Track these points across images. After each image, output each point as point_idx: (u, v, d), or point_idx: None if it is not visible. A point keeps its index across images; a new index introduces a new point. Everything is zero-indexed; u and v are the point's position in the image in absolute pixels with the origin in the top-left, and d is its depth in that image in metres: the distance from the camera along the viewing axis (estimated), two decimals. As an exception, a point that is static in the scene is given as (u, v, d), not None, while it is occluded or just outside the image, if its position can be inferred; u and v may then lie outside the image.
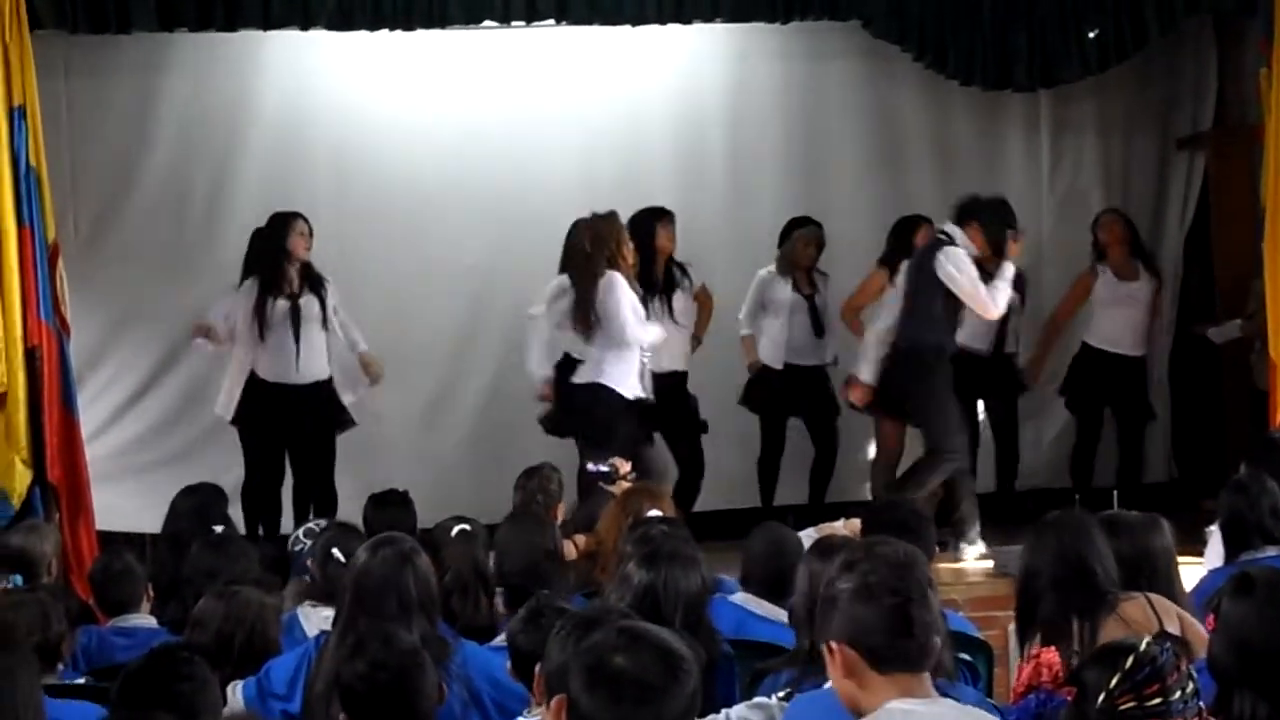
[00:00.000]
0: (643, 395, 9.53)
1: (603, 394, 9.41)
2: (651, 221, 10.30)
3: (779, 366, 10.83)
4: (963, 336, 10.16)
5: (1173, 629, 5.05)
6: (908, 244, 10.37)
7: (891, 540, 3.78)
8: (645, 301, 9.93)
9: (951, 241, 9.61)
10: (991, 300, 9.57)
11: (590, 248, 9.46)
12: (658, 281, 10.30)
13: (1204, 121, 11.92)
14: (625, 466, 8.29)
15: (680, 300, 10.40)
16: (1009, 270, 9.61)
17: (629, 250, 9.57)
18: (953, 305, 9.66)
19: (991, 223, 9.62)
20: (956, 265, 9.51)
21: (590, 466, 8.42)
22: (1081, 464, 11.13)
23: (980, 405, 11.04)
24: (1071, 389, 11.19)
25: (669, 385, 10.21)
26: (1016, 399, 11.21)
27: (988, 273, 9.61)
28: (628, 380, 9.45)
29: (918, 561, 3.68)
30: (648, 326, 9.54)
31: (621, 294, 9.38)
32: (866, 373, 9.93)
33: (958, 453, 9.70)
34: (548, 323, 9.75)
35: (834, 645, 3.61)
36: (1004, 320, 10.61)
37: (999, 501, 10.93)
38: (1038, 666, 4.32)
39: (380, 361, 10.21)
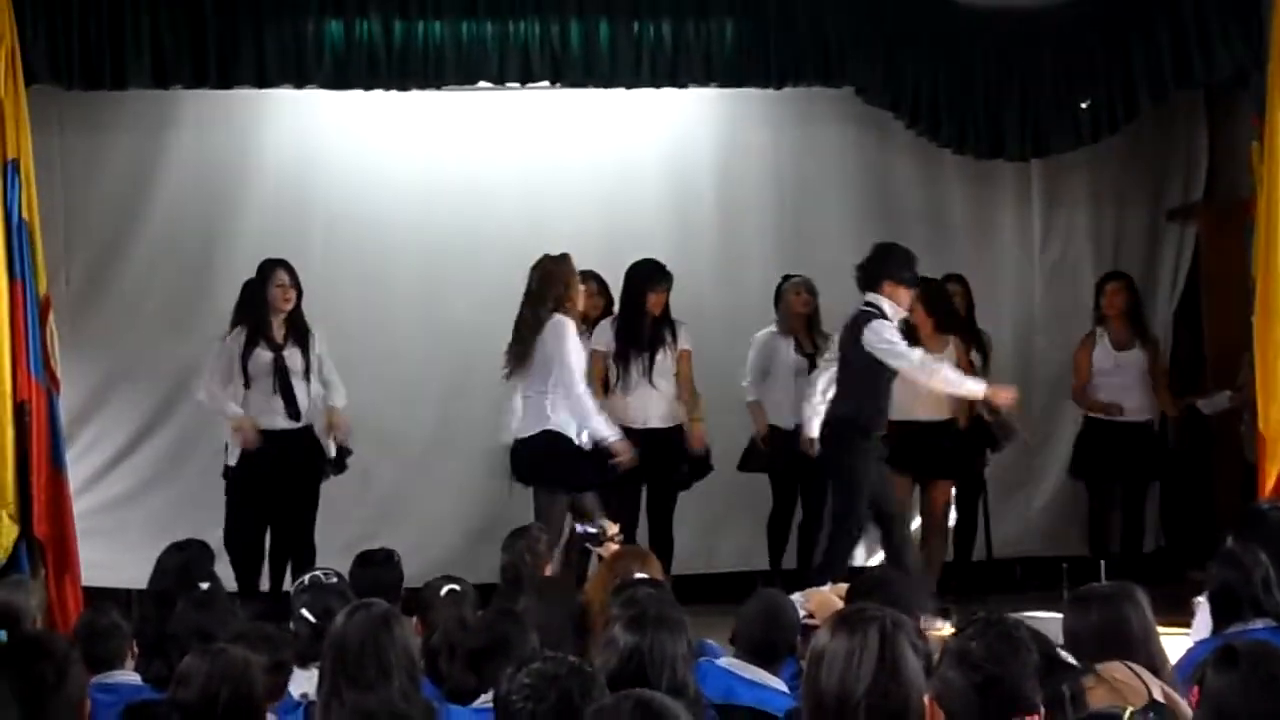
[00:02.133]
0: (584, 444, 9.51)
1: (557, 440, 9.42)
2: (642, 283, 10.31)
3: (789, 428, 10.77)
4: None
5: (1156, 697, 5.02)
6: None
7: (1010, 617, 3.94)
8: (624, 357, 9.99)
9: (879, 313, 9.63)
10: (926, 372, 9.62)
11: (537, 287, 9.47)
12: (642, 339, 10.29)
13: (1195, 193, 11.97)
14: (613, 528, 8.26)
15: (661, 360, 10.36)
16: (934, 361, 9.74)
17: (578, 294, 9.58)
18: (887, 378, 9.66)
19: (903, 271, 9.67)
20: (880, 338, 9.51)
21: (578, 528, 8.38)
22: (1098, 534, 11.07)
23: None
24: (1080, 464, 11.15)
25: (655, 442, 10.22)
26: (984, 463, 11.16)
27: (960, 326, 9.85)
28: (572, 427, 9.44)
29: (1026, 642, 3.82)
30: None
31: (569, 338, 9.38)
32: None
33: (854, 531, 9.67)
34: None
35: (928, 698, 3.77)
36: None
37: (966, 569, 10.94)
38: None
39: (346, 422, 10.11)
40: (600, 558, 8.01)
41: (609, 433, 9.45)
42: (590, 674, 4.21)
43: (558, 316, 9.40)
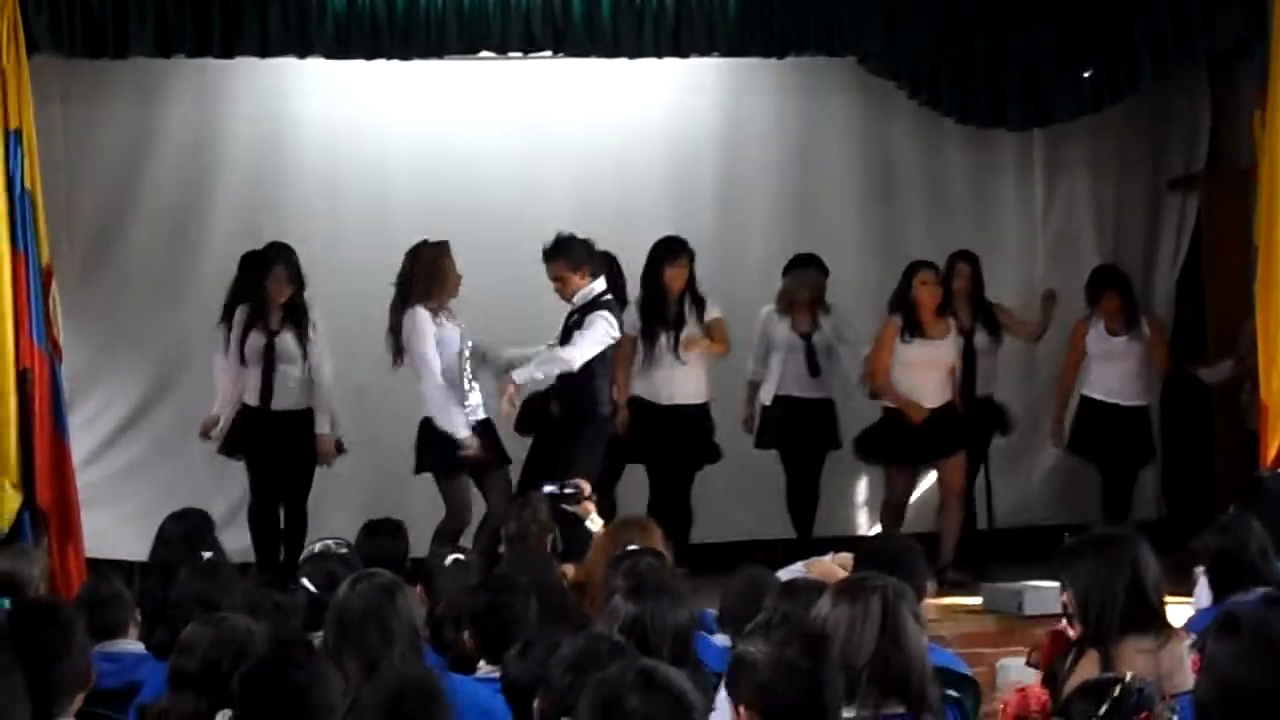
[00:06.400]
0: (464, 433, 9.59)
1: (429, 429, 9.65)
2: (659, 259, 10.36)
3: (768, 401, 10.79)
4: None
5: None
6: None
7: (804, 601, 3.81)
8: (650, 334, 10.01)
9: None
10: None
11: (411, 272, 9.64)
12: (665, 316, 10.31)
13: (1197, 163, 11.95)
14: (587, 486, 8.29)
15: (688, 337, 10.35)
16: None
17: (453, 284, 9.71)
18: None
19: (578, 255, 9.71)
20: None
21: (548, 488, 8.32)
22: (1115, 508, 11.01)
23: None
24: (1079, 443, 11.10)
25: (679, 419, 10.25)
26: (989, 441, 11.15)
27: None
28: (448, 414, 9.57)
29: (833, 629, 3.79)
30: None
31: (421, 328, 9.54)
32: None
33: None
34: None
35: (743, 711, 3.64)
36: (971, 364, 10.67)
37: (972, 540, 10.94)
38: (1025, 698, 4.31)
39: (332, 449, 10.22)
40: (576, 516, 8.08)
41: (458, 428, 9.56)
42: (633, 655, 4.24)
43: (416, 308, 9.57)
